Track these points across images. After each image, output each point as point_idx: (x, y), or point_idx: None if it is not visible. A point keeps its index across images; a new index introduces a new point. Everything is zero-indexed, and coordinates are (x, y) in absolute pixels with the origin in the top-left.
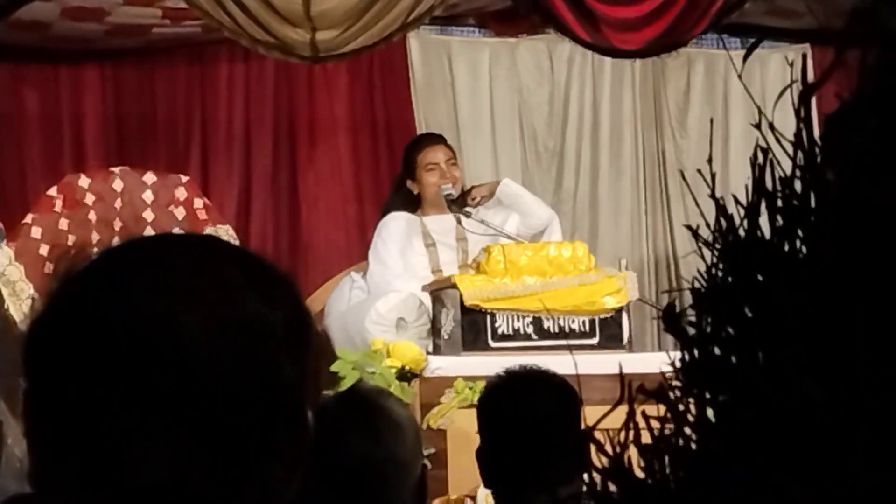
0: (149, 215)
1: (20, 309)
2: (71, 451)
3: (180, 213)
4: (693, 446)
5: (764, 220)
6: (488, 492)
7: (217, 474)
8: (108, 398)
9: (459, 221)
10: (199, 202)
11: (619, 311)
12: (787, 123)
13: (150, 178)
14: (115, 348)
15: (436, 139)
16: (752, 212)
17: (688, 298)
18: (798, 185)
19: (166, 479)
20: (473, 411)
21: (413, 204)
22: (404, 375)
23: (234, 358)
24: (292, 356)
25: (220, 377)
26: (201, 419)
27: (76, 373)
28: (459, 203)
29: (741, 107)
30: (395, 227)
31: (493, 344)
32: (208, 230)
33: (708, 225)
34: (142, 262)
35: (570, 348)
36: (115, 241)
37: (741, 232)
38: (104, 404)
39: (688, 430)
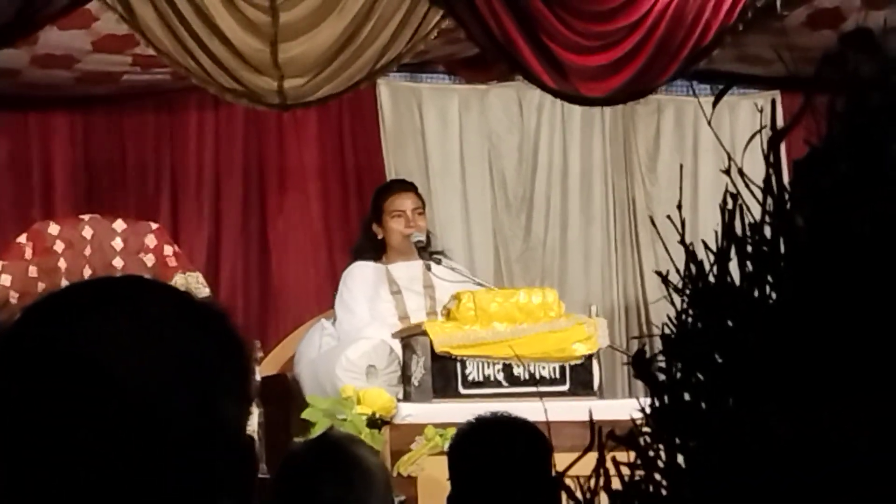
0: (118, 262)
1: None
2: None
3: (150, 260)
4: (663, 492)
5: (734, 266)
6: None
7: None
8: (43, 443)
9: (429, 268)
10: (168, 249)
11: (589, 357)
12: (757, 170)
13: (119, 225)
14: (51, 395)
15: (406, 186)
16: (721, 258)
17: (658, 344)
18: (768, 231)
19: None
20: (444, 458)
21: (379, 247)
22: (375, 422)
23: (171, 398)
24: (228, 391)
25: (158, 418)
26: (141, 460)
27: (11, 419)
28: (429, 251)
29: (711, 153)
30: (361, 276)
31: (463, 391)
32: (178, 277)
33: (678, 271)
34: (76, 308)
35: (541, 395)
36: None
37: (711, 278)
38: (39, 449)
39: (658, 477)
